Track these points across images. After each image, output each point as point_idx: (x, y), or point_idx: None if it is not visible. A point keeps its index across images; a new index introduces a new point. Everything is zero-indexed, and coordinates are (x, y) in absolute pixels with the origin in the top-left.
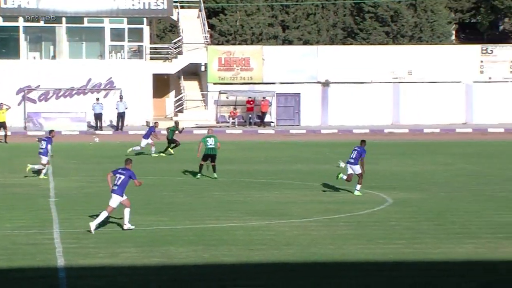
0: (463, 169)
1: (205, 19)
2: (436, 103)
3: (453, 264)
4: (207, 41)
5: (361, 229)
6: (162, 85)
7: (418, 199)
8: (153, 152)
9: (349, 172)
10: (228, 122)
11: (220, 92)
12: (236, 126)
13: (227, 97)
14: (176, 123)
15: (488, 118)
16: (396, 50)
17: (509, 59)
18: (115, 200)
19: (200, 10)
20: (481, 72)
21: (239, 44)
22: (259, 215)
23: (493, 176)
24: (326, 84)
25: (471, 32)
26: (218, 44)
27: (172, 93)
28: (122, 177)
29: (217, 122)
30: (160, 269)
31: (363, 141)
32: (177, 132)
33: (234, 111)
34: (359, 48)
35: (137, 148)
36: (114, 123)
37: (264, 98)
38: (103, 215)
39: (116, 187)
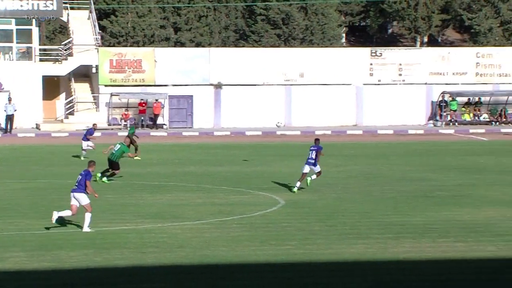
0: (354, 170)
1: (96, 20)
2: (328, 105)
3: (344, 264)
4: (98, 43)
5: (254, 231)
6: (52, 87)
7: (309, 200)
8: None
9: (304, 171)
10: (120, 125)
11: (111, 94)
12: (128, 129)
13: (119, 99)
14: (135, 124)
15: (378, 120)
16: (288, 53)
17: (398, 62)
18: (83, 198)
19: (90, 12)
20: (371, 74)
21: (131, 46)
22: (152, 218)
23: (383, 177)
24: (218, 86)
25: (361, 35)
26: (109, 46)
27: (62, 95)
28: (80, 177)
29: (109, 125)
30: (51, 274)
31: (317, 140)
32: (134, 136)
33: (126, 113)
34: (251, 50)
35: (84, 153)
36: (3, 126)
37: (156, 100)
38: (88, 216)
39: (75, 187)
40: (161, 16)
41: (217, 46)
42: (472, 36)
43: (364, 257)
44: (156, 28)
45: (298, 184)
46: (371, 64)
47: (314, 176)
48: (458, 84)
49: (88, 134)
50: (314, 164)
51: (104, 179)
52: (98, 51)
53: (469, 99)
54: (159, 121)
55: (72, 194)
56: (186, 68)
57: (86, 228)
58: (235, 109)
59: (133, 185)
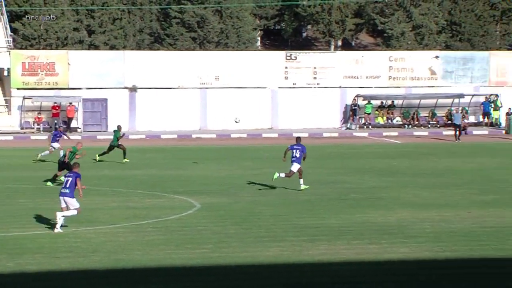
0: (269, 173)
1: (7, 22)
2: (243, 108)
3: (259, 267)
4: (10, 45)
5: (169, 234)
6: None
7: (225, 204)
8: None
9: (292, 169)
10: (33, 128)
11: (24, 98)
12: (42, 132)
13: (32, 103)
14: (119, 127)
15: (293, 123)
16: (203, 56)
17: (313, 65)
18: (73, 203)
19: (1, 14)
20: (286, 78)
21: (44, 48)
22: (66, 222)
23: (297, 180)
24: (133, 89)
25: (276, 39)
26: (21, 48)
27: None
28: (70, 179)
29: (22, 128)
30: None
31: (298, 138)
32: (120, 136)
33: (39, 117)
34: (166, 53)
35: (46, 152)
36: None
37: (70, 103)
38: (73, 212)
39: (67, 190)
40: (75, 18)
41: (132, 49)
42: (385, 40)
43: (279, 260)
44: (69, 30)
45: (301, 181)
46: (286, 67)
47: (282, 175)
48: (371, 87)
49: (57, 136)
50: (298, 161)
51: (49, 183)
52: (10, 54)
53: (382, 102)
54: (73, 124)
55: (61, 198)
56: (101, 71)
57: (58, 229)
58: (150, 112)
59: (46, 189)
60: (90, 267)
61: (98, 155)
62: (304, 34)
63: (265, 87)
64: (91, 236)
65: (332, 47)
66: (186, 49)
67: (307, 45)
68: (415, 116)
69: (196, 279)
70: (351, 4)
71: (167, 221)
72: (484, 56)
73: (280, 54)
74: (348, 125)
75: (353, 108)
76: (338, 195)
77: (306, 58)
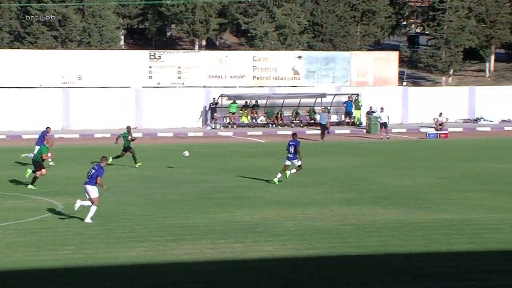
0: (133, 173)
1: None
2: (107, 108)
3: (123, 267)
4: None
5: (30, 236)
6: None
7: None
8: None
9: (286, 164)
10: None
11: None
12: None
13: None
14: (128, 128)
15: (158, 123)
16: (65, 55)
17: (177, 64)
18: (93, 191)
19: None
20: (150, 77)
21: None
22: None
23: (163, 180)
24: None
25: (140, 38)
26: None
27: None
28: (93, 171)
29: None
30: None
31: (294, 134)
32: (129, 138)
33: None
34: (26, 52)
35: (31, 154)
36: None
37: None
38: (93, 209)
39: (89, 179)
40: None
41: None
42: (249, 40)
43: (143, 260)
44: None
45: (278, 175)
46: (150, 67)
47: (293, 170)
48: (236, 87)
49: (42, 137)
50: (294, 158)
51: (30, 186)
52: None
53: (246, 101)
54: None
55: (84, 186)
56: None
57: (88, 219)
58: (11, 112)
59: None
60: None
61: (112, 158)
62: (168, 34)
63: (129, 87)
64: None
65: (197, 46)
66: (48, 48)
67: (171, 44)
68: (279, 116)
69: (58, 281)
70: (215, 4)
71: (29, 222)
72: (345, 56)
73: (144, 54)
74: (213, 125)
75: (212, 107)
76: (203, 194)
77: (170, 57)
